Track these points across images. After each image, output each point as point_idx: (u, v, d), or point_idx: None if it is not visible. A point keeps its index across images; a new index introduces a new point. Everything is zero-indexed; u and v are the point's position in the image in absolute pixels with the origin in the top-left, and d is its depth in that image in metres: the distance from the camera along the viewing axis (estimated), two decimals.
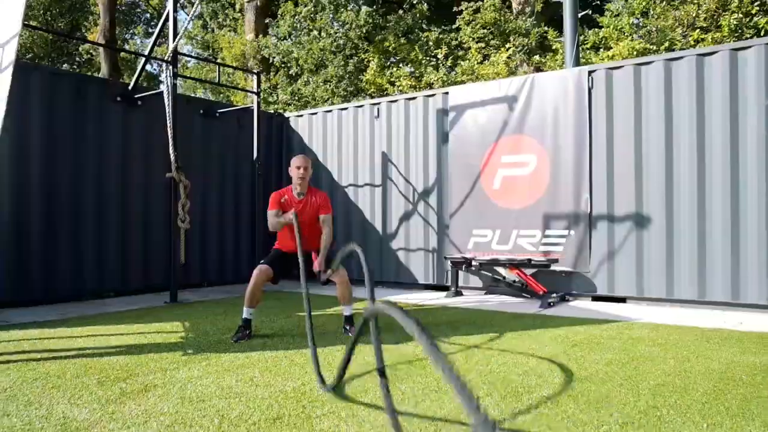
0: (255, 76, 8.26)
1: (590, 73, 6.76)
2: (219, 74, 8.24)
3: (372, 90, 13.47)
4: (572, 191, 6.79)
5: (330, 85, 13.75)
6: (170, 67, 6.76)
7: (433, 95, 7.98)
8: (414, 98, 8.15)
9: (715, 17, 9.78)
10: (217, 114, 8.44)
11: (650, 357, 3.93)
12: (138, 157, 7.41)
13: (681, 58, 6.23)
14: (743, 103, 5.84)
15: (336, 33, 13.98)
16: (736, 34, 9.42)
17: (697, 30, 9.93)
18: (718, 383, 3.27)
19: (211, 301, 6.97)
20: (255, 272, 4.66)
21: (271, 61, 16.08)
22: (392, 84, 13.24)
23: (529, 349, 4.19)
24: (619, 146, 6.53)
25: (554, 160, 6.91)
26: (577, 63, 8.85)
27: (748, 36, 9.31)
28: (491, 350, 4.19)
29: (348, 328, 4.83)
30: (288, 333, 4.92)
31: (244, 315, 4.66)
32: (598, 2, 12.52)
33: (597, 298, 6.65)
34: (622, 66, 6.59)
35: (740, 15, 9.39)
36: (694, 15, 9.90)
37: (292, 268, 4.89)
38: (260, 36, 16.52)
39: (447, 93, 7.84)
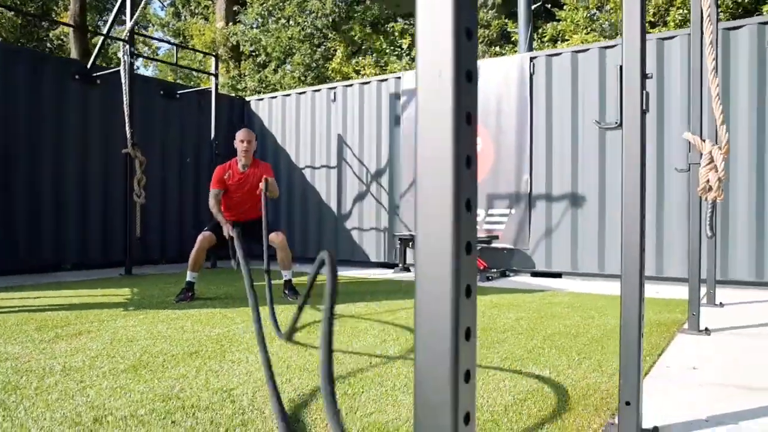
0: (213, 58, 8.45)
1: (532, 59, 7.09)
2: (177, 56, 8.40)
3: (338, 78, 13.69)
4: (514, 172, 7.13)
5: (297, 73, 13.95)
6: (127, 46, 6.93)
7: (386, 80, 8.26)
8: (368, 82, 8.42)
9: (662, 13, 10.20)
10: (177, 95, 8.62)
11: (559, 315, 4.26)
12: (97, 134, 7.57)
13: (614, 46, 6.58)
14: (668, 87, 6.21)
15: (304, 22, 14.18)
16: (681, 28, 9.84)
17: (647, 23, 10.32)
18: (607, 332, 3.61)
19: (166, 274, 7.18)
20: (199, 238, 4.91)
21: (240, 48, 16.22)
22: (357, 73, 13.49)
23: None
24: (557, 130, 6.88)
25: (497, 142, 7.23)
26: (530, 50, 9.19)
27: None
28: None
29: (287, 292, 5.09)
30: (230, 296, 5.18)
31: (188, 278, 4.91)
32: None
33: (535, 274, 7.01)
34: (561, 53, 6.93)
35: (685, 11, 9.82)
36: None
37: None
38: (230, 24, 16.63)
39: (399, 77, 8.13)
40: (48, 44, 25.47)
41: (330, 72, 13.65)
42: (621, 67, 1.99)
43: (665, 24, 10.05)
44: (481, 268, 6.89)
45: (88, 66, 7.46)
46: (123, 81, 6.89)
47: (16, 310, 4.31)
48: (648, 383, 2.47)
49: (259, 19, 14.85)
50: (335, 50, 13.91)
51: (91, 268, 7.53)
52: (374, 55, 13.59)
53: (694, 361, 2.90)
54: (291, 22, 14.39)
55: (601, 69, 6.60)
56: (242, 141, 5.05)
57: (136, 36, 7.78)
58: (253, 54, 15.29)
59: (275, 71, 14.70)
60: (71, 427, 1.94)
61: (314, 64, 13.83)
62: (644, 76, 1.99)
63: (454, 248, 0.76)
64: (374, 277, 7.05)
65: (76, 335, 3.43)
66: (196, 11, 19.90)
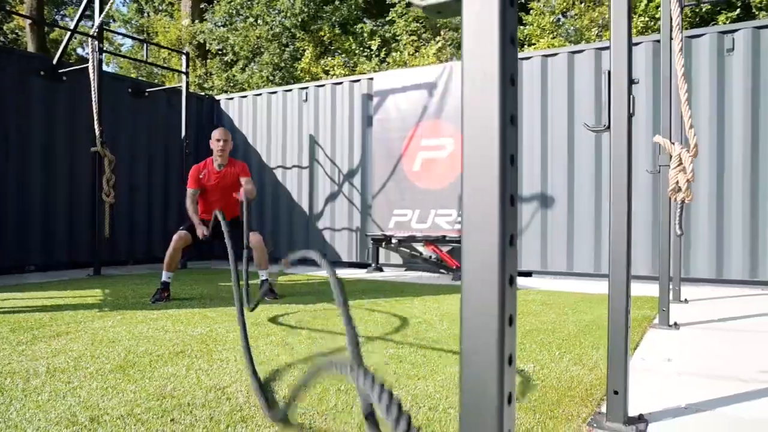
0: (184, 56, 8.34)
1: None
2: (147, 53, 8.26)
3: (307, 78, 13.66)
4: None
5: (265, 73, 13.86)
6: (96, 42, 6.79)
7: (359, 80, 8.30)
8: (340, 83, 8.45)
9: None
10: (146, 93, 8.48)
11: (535, 312, 4.38)
12: (63, 132, 7.39)
13: (582, 51, 6.78)
14: (633, 91, 6.42)
15: (272, 21, 14.09)
16: (642, 35, 10.17)
17: (609, 30, 10.64)
18: (583, 328, 3.73)
19: (136, 275, 7.06)
20: (174, 237, 4.86)
21: (206, 47, 16.01)
22: (326, 73, 13.49)
23: (430, 308, 4.58)
24: (527, 131, 7.03)
25: None
26: None
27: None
28: (388, 301, 4.56)
29: (263, 291, 5.09)
30: (206, 297, 5.14)
31: (163, 278, 4.86)
32: (523, 1, 13.11)
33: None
34: (531, 57, 7.09)
35: (646, 18, 10.15)
36: (606, 16, 10.61)
37: (212, 233, 5.12)
38: (196, 21, 16.40)
39: (372, 78, 8.17)
40: (1, 37, 24.64)
41: (299, 72, 13.61)
42: (609, 73, 2.08)
43: None
44: (454, 267, 6.99)
45: (54, 62, 7.27)
46: (92, 78, 6.75)
47: None
48: None
49: (227, 18, 14.69)
50: (304, 50, 13.86)
51: (56, 269, 7.34)
52: (343, 55, 13.60)
53: (667, 354, 3.04)
54: (259, 21, 14.28)
55: (569, 73, 6.78)
56: (218, 140, 5.03)
57: (104, 32, 7.61)
58: (220, 52, 15.12)
59: (243, 70, 14.57)
60: (68, 427, 1.93)
61: (283, 64, 13.76)
62: (631, 81, 2.09)
63: (500, 240, 0.82)
64: (349, 276, 7.08)
65: (55, 336, 3.36)
66: (160, 8, 19.55)
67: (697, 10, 10.12)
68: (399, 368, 2.69)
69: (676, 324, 3.82)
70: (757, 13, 9.63)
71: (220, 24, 15.18)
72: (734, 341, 3.38)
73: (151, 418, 2.01)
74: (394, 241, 7.43)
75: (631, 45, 2.09)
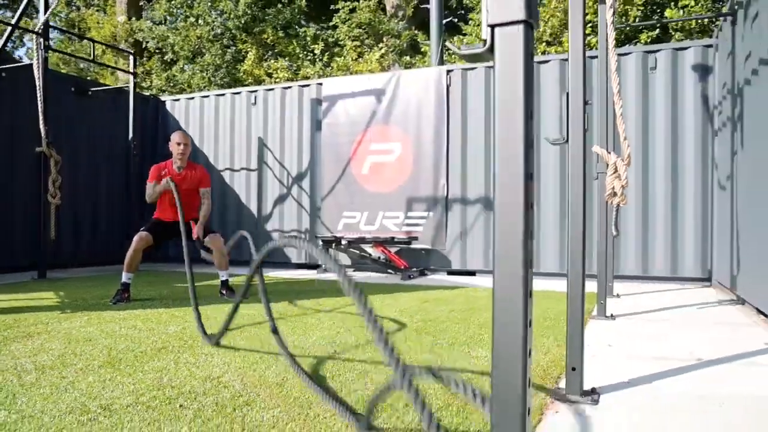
0: (131, 57, 8.25)
1: (448, 72, 7.61)
2: (93, 52, 8.09)
3: (249, 80, 13.65)
4: (432, 177, 7.60)
5: (207, 74, 13.74)
6: (41, 40, 6.65)
7: (308, 85, 8.47)
8: (290, 87, 8.59)
9: (558, 34, 11.18)
10: (90, 92, 8.31)
11: (485, 308, 4.72)
12: (1, 131, 7.17)
13: (548, 61, 7.23)
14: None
15: (213, 21, 13.98)
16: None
17: (544, 44, 11.29)
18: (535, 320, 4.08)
19: (83, 277, 6.96)
20: (135, 238, 4.90)
21: (144, 45, 15.67)
22: (270, 76, 13.53)
23: (388, 305, 4.84)
24: (472, 138, 7.43)
25: (416, 148, 7.68)
26: (441, 64, 9.77)
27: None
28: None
29: (224, 292, 5.20)
30: (167, 297, 5.19)
31: (123, 279, 4.88)
32: (462, 12, 13.66)
33: (452, 272, 7.51)
34: (476, 68, 7.50)
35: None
36: (541, 30, 11.24)
37: (169, 235, 5.20)
38: (133, 18, 16.01)
39: (321, 84, 8.37)
40: None
41: (241, 74, 13.58)
42: (568, 95, 2.41)
43: (560, 44, 11.03)
44: (402, 267, 7.29)
45: None
46: (37, 76, 6.60)
47: None
48: None
49: (167, 17, 14.45)
50: (246, 52, 13.84)
51: None
52: (287, 58, 13.68)
53: (608, 340, 3.43)
54: (200, 21, 14.14)
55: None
56: (179, 143, 5.10)
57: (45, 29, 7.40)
58: (159, 51, 14.84)
59: (182, 70, 14.37)
60: (82, 415, 2.05)
61: (225, 65, 13.68)
62: (585, 102, 2.42)
63: (524, 239, 1.08)
64: (300, 277, 7.24)
65: (27, 337, 3.39)
66: (92, 2, 18.90)
67: (624, 29, 10.88)
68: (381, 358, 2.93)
69: (612, 315, 4.25)
70: (673, 33, 10.48)
71: (158, 22, 14.89)
72: (664, 329, 3.82)
73: (159, 405, 2.16)
74: (344, 242, 7.64)
75: (585, 73, 2.41)
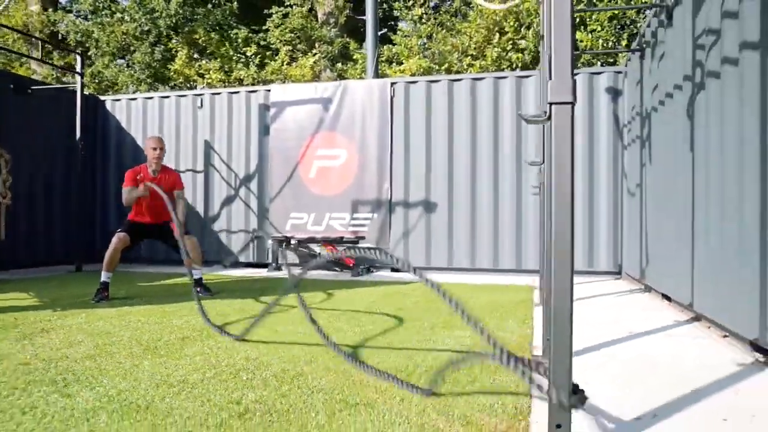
0: (78, 56, 8.21)
1: (392, 84, 8.24)
2: (41, 50, 7.96)
3: (180, 80, 13.63)
4: (376, 181, 8.19)
5: (134, 71, 13.56)
6: None
7: (256, 91, 8.81)
8: (237, 92, 8.89)
9: (482, 48, 12.12)
10: (30, 90, 8.19)
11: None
12: None
13: (461, 80, 8.00)
14: (502, 115, 7.77)
15: (140, 18, 13.80)
16: (497, 63, 11.84)
17: (469, 56, 12.21)
18: (485, 307, 4.78)
19: (35, 278, 6.95)
20: (114, 239, 5.13)
21: (61, 37, 15.14)
22: (201, 76, 13.58)
23: (358, 298, 5.38)
24: (413, 145, 8.09)
25: (361, 154, 8.24)
26: (376, 74, 10.37)
27: (506, 65, 11.80)
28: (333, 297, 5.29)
29: (198, 289, 5.51)
30: (143, 295, 5.45)
31: (103, 278, 5.11)
32: (393, 23, 14.35)
33: (395, 270, 8.13)
34: (417, 81, 8.17)
35: (499, 49, 11.83)
36: (467, 44, 12.15)
37: (145, 236, 5.46)
38: (49, 9, 15.41)
39: (269, 90, 8.73)
40: None
41: (172, 73, 13.52)
42: (520, 116, 3.07)
43: (484, 57, 11.99)
44: (351, 265, 7.83)
45: None
46: None
47: None
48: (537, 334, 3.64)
49: (91, 11, 14.07)
50: (176, 51, 13.79)
51: None
52: (219, 60, 13.77)
53: None
54: (126, 18, 13.90)
55: (450, 96, 7.95)
56: (155, 148, 5.38)
57: None
58: (81, 46, 14.40)
59: (107, 66, 14.07)
60: (171, 387, 2.46)
61: (154, 63, 13.56)
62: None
63: (571, 240, 1.70)
64: (253, 275, 7.60)
65: (44, 332, 3.64)
66: None
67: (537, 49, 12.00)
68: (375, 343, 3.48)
69: None
70: (582, 54, 11.73)
71: (80, 15, 14.45)
72: (596, 310, 4.63)
73: (227, 379, 2.61)
74: (294, 241, 8.07)
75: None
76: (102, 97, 9.61)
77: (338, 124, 8.35)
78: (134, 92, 13.68)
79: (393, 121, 8.16)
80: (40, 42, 7.90)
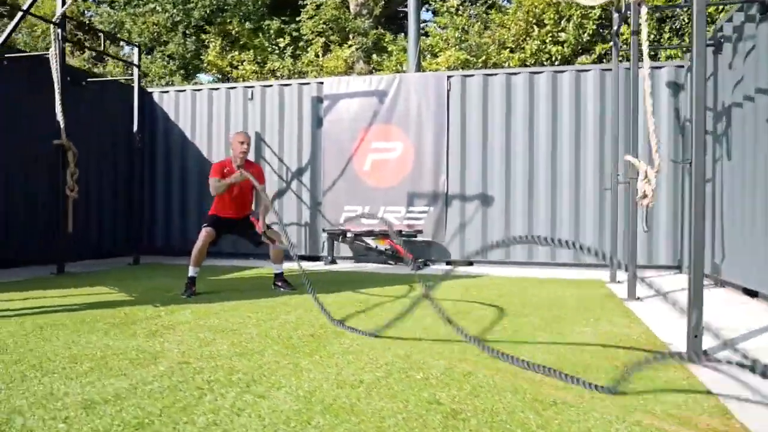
0: (136, 48, 8.17)
1: (449, 77, 8.20)
2: (104, 44, 7.92)
3: (213, 71, 13.58)
4: (432, 174, 8.17)
5: (169, 63, 13.50)
6: (59, 30, 6.57)
7: (308, 83, 8.78)
8: (288, 85, 8.86)
9: (520, 41, 12.07)
10: (84, 83, 8.16)
11: (520, 293, 5.36)
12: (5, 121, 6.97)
13: (518, 73, 7.96)
14: (560, 109, 7.75)
15: (173, 9, 13.72)
16: (536, 56, 11.80)
17: (507, 49, 12.15)
18: (577, 304, 4.79)
19: (102, 271, 6.97)
20: (202, 234, 5.13)
21: (87, 27, 15.05)
22: (234, 67, 13.52)
23: (448, 292, 5.38)
24: (470, 138, 8.07)
25: (417, 147, 8.22)
26: (418, 67, 10.34)
27: (545, 58, 11.76)
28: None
29: (279, 284, 5.52)
30: (221, 290, 5.47)
31: (191, 273, 5.11)
32: (427, 14, 14.27)
33: (450, 263, 8.14)
34: (474, 74, 8.14)
35: (538, 42, 11.78)
36: (505, 37, 12.09)
37: (227, 231, 5.45)
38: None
39: (322, 83, 8.70)
40: None
41: (205, 65, 13.46)
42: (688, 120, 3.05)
43: (522, 49, 11.93)
44: (409, 258, 7.79)
45: None
46: (54, 68, 6.53)
47: (39, 312, 4.21)
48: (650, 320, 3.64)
49: (125, 1, 13.99)
50: (209, 42, 13.72)
51: None
52: (251, 51, 13.69)
53: (665, 314, 4.17)
54: (158, 9, 13.82)
55: (507, 90, 7.92)
56: (242, 143, 5.36)
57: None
58: (113, 37, 14.33)
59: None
60: (335, 389, 2.47)
61: (188, 55, 13.50)
62: (704, 130, 3.08)
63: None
64: (315, 269, 7.60)
65: (164, 329, 3.63)
66: None
67: (581, 41, 11.93)
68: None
69: (639, 297, 5.04)
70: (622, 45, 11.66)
71: (118, 7, 14.37)
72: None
73: (401, 378, 2.61)
74: (349, 235, 8.06)
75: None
76: (149, 89, 9.57)
77: (394, 117, 8.32)
78: (166, 84, 13.62)
79: (449, 113, 8.14)
80: (102, 34, 7.82)
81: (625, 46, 8.70)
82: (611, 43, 11.49)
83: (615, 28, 6.41)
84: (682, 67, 7.50)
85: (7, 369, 2.67)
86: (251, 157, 8.74)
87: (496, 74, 8.06)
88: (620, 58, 6.75)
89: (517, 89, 7.92)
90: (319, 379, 2.55)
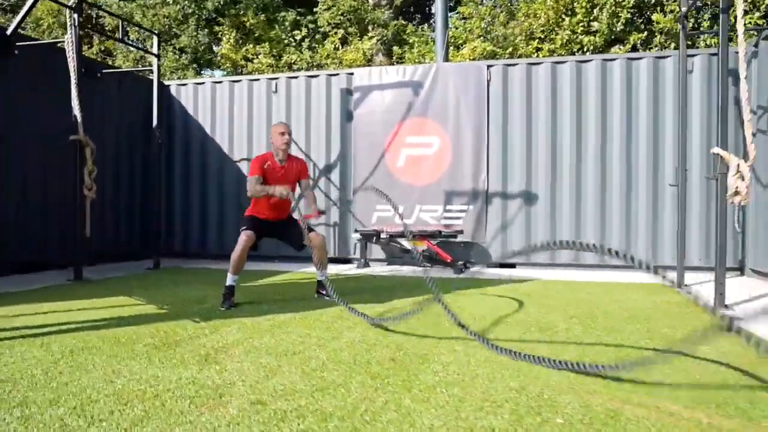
0: (155, 37, 7.63)
1: (489, 67, 7.65)
2: (122, 31, 7.38)
3: (227, 65, 13.03)
4: (471, 171, 7.64)
5: (180, 56, 12.96)
6: (75, 15, 6.03)
7: (337, 74, 8.23)
8: (316, 76, 8.31)
9: (549, 32, 11.51)
10: (99, 74, 7.62)
11: (584, 301, 4.84)
12: (16, 116, 6.44)
13: (564, 62, 7.42)
14: (610, 100, 7.21)
15: (185, 1, 13.17)
16: (566, 47, 11.24)
17: (536, 40, 11.60)
18: (658, 314, 4.26)
19: (122, 278, 6.43)
20: (242, 239, 4.59)
21: (94, 20, 14.51)
22: (249, 60, 12.97)
23: (496, 298, 4.85)
24: (512, 133, 7.53)
25: (455, 142, 7.68)
26: (446, 58, 9.78)
27: (577, 48, 11.20)
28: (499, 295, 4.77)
29: (323, 292, 4.99)
30: (260, 300, 4.94)
31: (229, 281, 4.59)
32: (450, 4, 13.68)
33: (490, 265, 7.61)
34: (517, 64, 7.59)
35: (569, 32, 11.22)
36: (534, 27, 11.53)
37: (266, 233, 4.91)
38: None
39: (352, 74, 8.16)
40: None
41: (219, 58, 12.91)
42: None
43: (552, 40, 11.38)
44: (449, 261, 7.28)
45: (9, 32, 6.27)
46: (70, 57, 6.00)
47: (71, 329, 3.69)
48: None
49: None
50: (221, 35, 13.17)
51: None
52: (267, 44, 13.13)
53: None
54: (169, 0, 13.27)
55: (553, 80, 7.38)
56: (282, 134, 4.82)
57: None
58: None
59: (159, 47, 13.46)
60: (474, 413, 1.94)
61: (200, 48, 12.95)
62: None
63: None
64: (348, 273, 7.07)
65: (214, 352, 3.11)
66: None
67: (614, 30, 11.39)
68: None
69: (727, 305, 4.50)
70: (657, 35, 11.10)
71: None
72: None
73: (541, 404, 2.08)
74: (384, 236, 7.52)
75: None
76: (166, 82, 9.03)
77: (429, 110, 7.78)
78: (179, 78, 13.07)
79: (490, 106, 7.60)
80: (121, 22, 7.26)
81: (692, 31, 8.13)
82: (644, 33, 11.02)
83: (684, 9, 5.87)
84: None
85: (42, 414, 2.15)
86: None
87: (540, 63, 7.52)
88: (689, 42, 6.20)
89: (564, 79, 7.37)
90: (439, 427, 2.03)
